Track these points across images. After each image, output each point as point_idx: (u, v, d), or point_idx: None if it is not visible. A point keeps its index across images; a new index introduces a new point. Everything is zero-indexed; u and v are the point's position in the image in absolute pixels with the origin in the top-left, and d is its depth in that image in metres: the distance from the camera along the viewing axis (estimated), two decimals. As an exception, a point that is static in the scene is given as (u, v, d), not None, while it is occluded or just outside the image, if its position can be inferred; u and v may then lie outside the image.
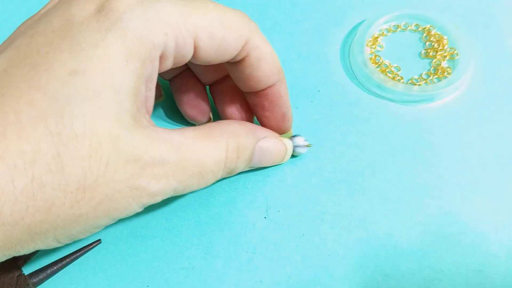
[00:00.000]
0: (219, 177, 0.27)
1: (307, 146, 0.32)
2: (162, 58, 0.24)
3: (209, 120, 0.34)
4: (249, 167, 0.30)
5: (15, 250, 0.22)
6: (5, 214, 0.20)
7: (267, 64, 0.28)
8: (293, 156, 0.32)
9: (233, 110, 0.32)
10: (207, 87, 0.34)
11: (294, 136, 0.32)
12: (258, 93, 0.30)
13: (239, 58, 0.27)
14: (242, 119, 0.32)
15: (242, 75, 0.29)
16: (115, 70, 0.22)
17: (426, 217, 0.30)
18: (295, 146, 0.32)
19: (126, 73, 0.22)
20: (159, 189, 0.24)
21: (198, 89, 0.33)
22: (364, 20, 0.38)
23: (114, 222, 0.25)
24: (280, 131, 0.32)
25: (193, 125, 0.34)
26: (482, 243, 0.29)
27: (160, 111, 0.35)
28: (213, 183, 0.28)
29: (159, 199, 0.25)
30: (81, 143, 0.21)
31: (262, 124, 0.32)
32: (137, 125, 0.23)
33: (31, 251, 0.23)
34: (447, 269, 0.28)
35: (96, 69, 0.22)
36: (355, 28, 0.38)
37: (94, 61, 0.22)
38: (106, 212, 0.23)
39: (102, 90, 0.22)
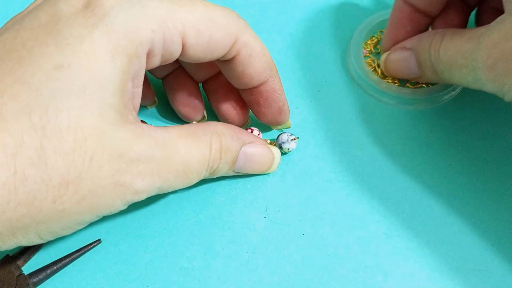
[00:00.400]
0: (202, 177, 0.28)
1: (293, 139, 0.32)
2: (149, 55, 0.24)
3: (203, 118, 0.34)
4: (235, 172, 0.30)
5: None
6: None
7: (258, 61, 0.28)
8: (284, 153, 0.32)
9: (228, 106, 0.32)
10: (200, 84, 0.33)
11: (280, 134, 0.32)
12: (252, 90, 0.30)
13: (229, 56, 0.27)
14: (237, 115, 0.32)
15: (234, 73, 0.29)
16: (101, 65, 0.22)
17: (426, 216, 0.30)
18: (282, 143, 0.32)
19: (112, 68, 0.22)
20: (144, 186, 0.24)
21: (191, 86, 0.33)
22: (362, 22, 0.38)
23: (98, 219, 0.24)
24: (277, 123, 0.32)
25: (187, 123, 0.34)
26: (482, 243, 0.29)
27: (154, 111, 0.35)
28: (196, 183, 0.28)
29: (143, 196, 0.25)
30: (65, 137, 0.21)
31: (259, 119, 0.32)
32: (123, 121, 0.23)
33: (13, 247, 0.23)
34: (447, 269, 0.29)
35: (82, 63, 0.22)
36: (353, 29, 0.38)
37: (80, 56, 0.22)
38: (89, 208, 0.23)
39: (87, 84, 0.22)
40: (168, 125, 0.34)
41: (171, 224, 0.30)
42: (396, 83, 0.36)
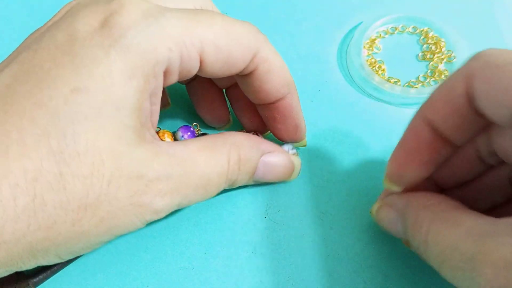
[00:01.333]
0: (221, 189, 0.27)
1: (293, 154, 0.31)
2: (167, 73, 0.24)
3: (228, 123, 0.34)
4: (254, 181, 0.30)
5: (17, 266, 0.22)
6: (6, 232, 0.20)
7: (276, 77, 0.27)
8: None
9: (249, 114, 0.32)
10: (224, 90, 0.33)
11: (282, 145, 0.32)
12: (269, 106, 0.29)
13: (247, 71, 0.27)
14: (258, 123, 0.32)
15: (251, 88, 0.28)
16: (118, 87, 0.22)
17: (426, 217, 0.30)
18: None
19: (129, 90, 0.22)
20: (164, 205, 0.24)
21: (215, 93, 0.32)
22: (362, 22, 0.38)
23: (116, 238, 0.24)
24: (293, 141, 0.31)
25: (213, 129, 0.34)
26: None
27: (168, 116, 0.35)
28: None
29: (162, 215, 0.25)
30: (83, 161, 0.21)
31: (275, 135, 0.31)
32: (140, 141, 0.23)
33: (33, 267, 0.23)
34: (447, 268, 0.29)
35: (99, 86, 0.22)
36: (354, 29, 0.38)
37: (97, 78, 0.22)
38: (108, 230, 0.23)
39: (104, 107, 0.22)
40: (180, 125, 0.34)
41: (171, 224, 0.30)
42: (397, 82, 0.36)
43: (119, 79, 0.22)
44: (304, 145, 0.33)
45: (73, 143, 0.21)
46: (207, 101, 0.32)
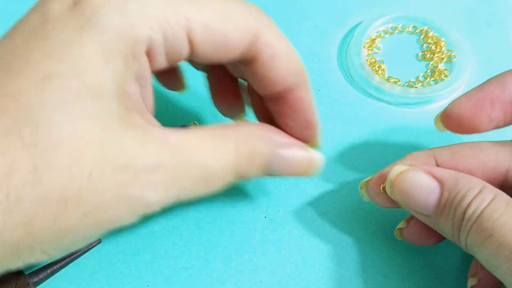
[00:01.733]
0: (229, 182, 0.25)
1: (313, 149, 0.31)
2: (150, 54, 0.22)
3: (242, 114, 0.32)
4: (268, 175, 0.27)
5: (1, 267, 0.21)
6: None
7: (282, 63, 0.25)
8: None
9: (259, 108, 0.30)
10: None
11: None
12: (278, 99, 0.27)
13: (249, 57, 0.25)
14: (268, 120, 0.29)
15: (256, 77, 0.26)
16: (93, 71, 0.20)
17: (426, 217, 0.30)
18: None
19: (106, 73, 0.21)
20: (157, 197, 0.22)
21: (231, 83, 0.30)
22: (362, 22, 0.38)
23: (108, 231, 0.23)
24: (304, 139, 0.28)
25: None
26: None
27: (168, 116, 0.35)
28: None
29: (156, 208, 0.23)
30: (60, 152, 0.20)
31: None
32: (127, 128, 0.21)
33: (24, 266, 0.22)
34: (448, 269, 0.29)
35: (72, 71, 0.20)
36: (354, 29, 0.38)
37: (69, 63, 0.20)
38: (95, 224, 0.21)
39: (79, 93, 0.20)
40: (179, 124, 0.34)
41: (171, 224, 0.30)
42: (397, 82, 0.36)
43: (95, 63, 0.20)
44: (317, 145, 0.29)
45: (47, 133, 0.20)
46: (222, 90, 0.30)
